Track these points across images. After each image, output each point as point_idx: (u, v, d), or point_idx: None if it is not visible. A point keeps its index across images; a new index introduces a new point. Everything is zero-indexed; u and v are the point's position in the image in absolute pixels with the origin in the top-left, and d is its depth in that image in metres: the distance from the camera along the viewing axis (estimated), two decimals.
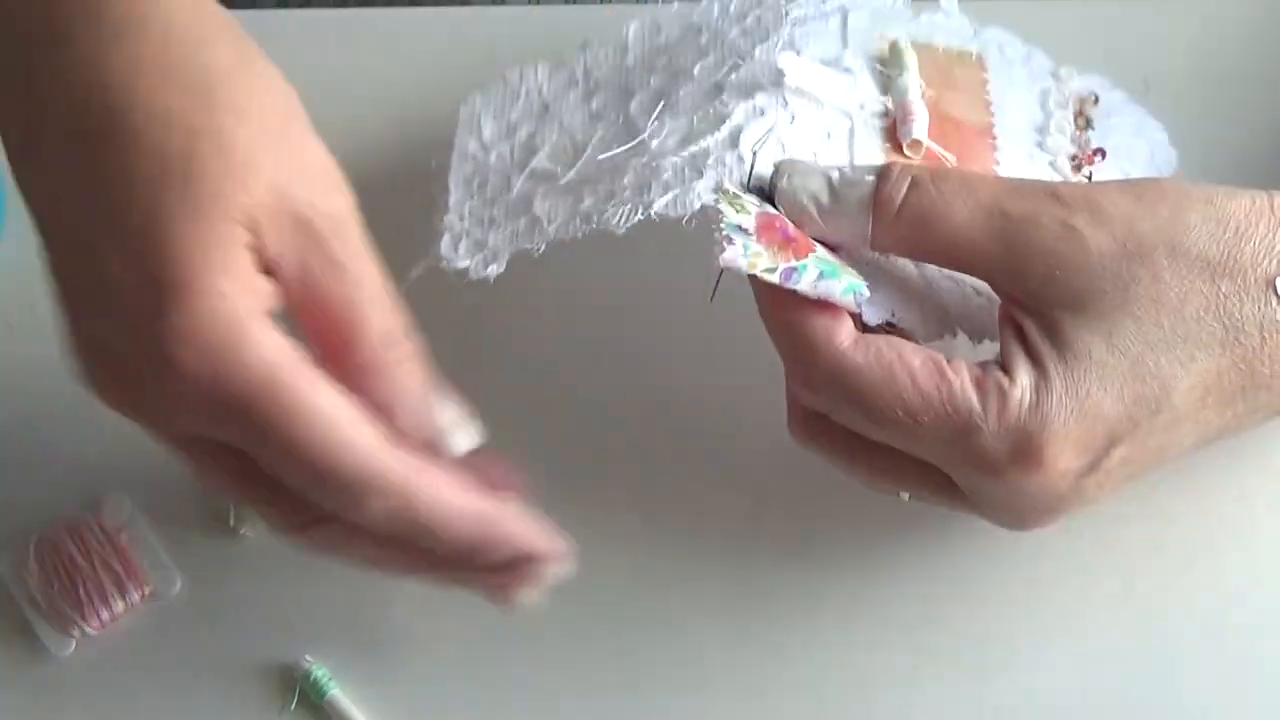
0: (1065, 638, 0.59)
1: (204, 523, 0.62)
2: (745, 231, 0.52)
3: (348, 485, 0.48)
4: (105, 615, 0.60)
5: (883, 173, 0.54)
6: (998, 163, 0.60)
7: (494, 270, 0.57)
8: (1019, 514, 0.55)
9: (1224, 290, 0.52)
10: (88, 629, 0.60)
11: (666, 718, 0.59)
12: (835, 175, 0.54)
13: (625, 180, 0.57)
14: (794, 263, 0.52)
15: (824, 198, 0.54)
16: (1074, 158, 0.62)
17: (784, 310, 0.53)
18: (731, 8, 0.63)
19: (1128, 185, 0.54)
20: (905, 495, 0.57)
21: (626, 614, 0.60)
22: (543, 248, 0.56)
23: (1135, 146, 0.63)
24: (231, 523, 0.62)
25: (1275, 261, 0.53)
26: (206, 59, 0.49)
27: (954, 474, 0.54)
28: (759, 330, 0.56)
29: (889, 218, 0.53)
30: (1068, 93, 0.63)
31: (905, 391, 0.52)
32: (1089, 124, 0.63)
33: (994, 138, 0.61)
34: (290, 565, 0.61)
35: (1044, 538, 0.59)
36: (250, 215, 0.48)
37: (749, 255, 0.51)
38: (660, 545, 0.61)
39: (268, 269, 0.49)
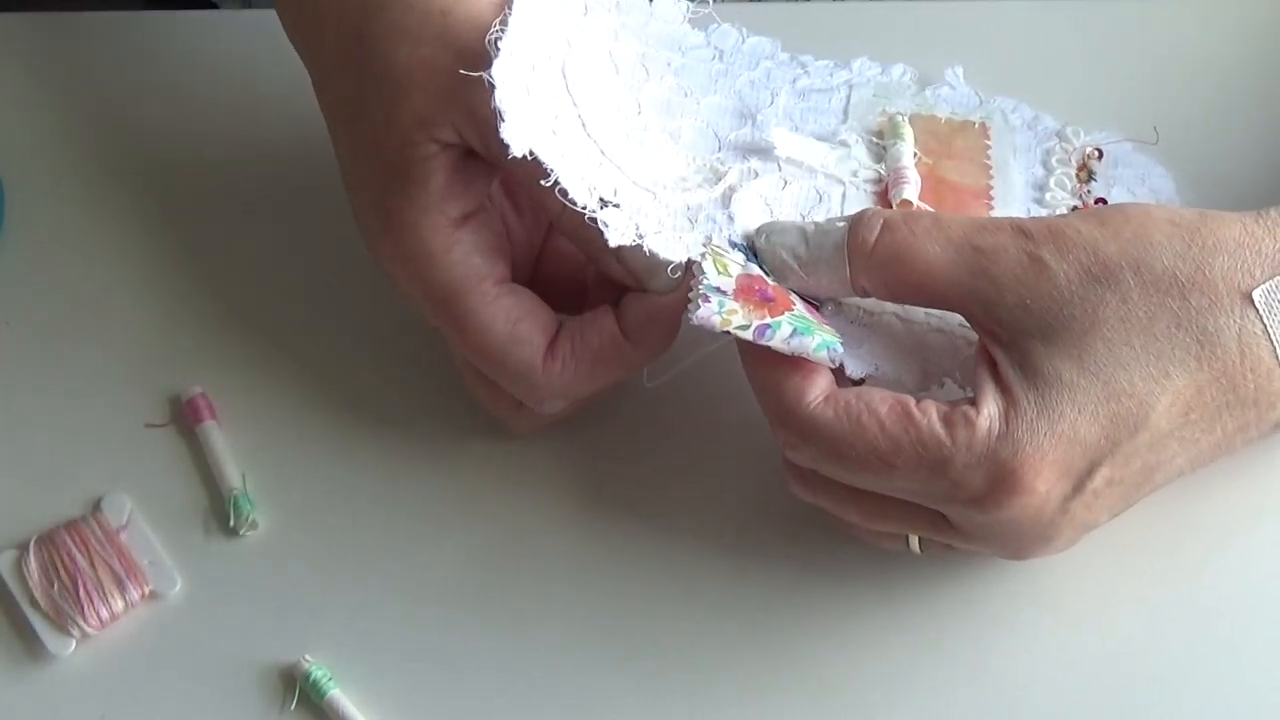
0: (1065, 637, 0.59)
1: (204, 523, 0.62)
2: (722, 292, 0.54)
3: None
4: (105, 615, 0.60)
5: (856, 218, 0.55)
6: None
7: None
8: (1014, 543, 0.55)
9: (1195, 305, 0.52)
10: (88, 629, 0.60)
11: (665, 718, 0.59)
12: (810, 228, 0.56)
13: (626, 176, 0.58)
14: (768, 320, 0.53)
15: (801, 249, 0.56)
16: (1074, 210, 0.62)
17: (761, 373, 0.55)
18: (745, 44, 0.64)
19: (1091, 213, 0.54)
20: (916, 546, 0.57)
21: (625, 616, 0.60)
22: None
23: (1138, 194, 0.64)
24: (231, 523, 0.62)
25: (1248, 274, 0.53)
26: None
27: (945, 511, 0.54)
28: None
29: (864, 259, 0.55)
30: (1071, 150, 0.64)
31: (875, 439, 0.53)
32: (1090, 176, 0.63)
33: (990, 199, 0.62)
34: (290, 565, 0.61)
35: None
36: (443, 125, 0.56)
37: (722, 312, 0.53)
38: (659, 550, 0.61)
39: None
